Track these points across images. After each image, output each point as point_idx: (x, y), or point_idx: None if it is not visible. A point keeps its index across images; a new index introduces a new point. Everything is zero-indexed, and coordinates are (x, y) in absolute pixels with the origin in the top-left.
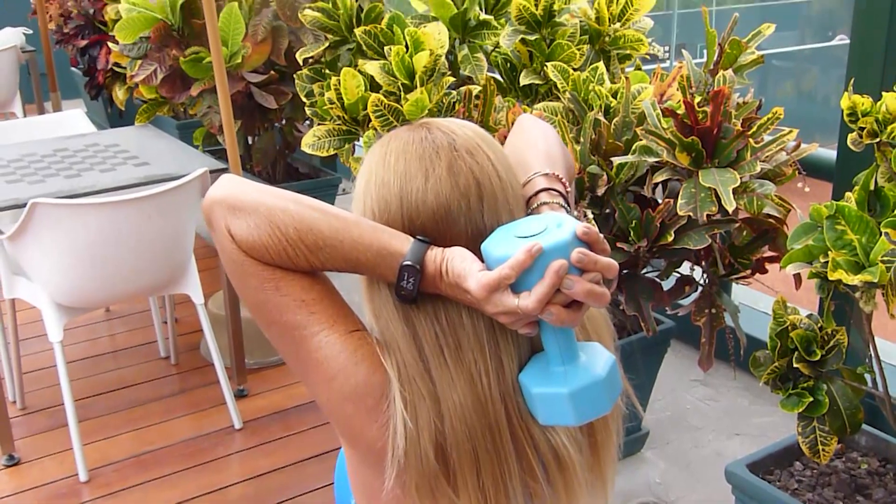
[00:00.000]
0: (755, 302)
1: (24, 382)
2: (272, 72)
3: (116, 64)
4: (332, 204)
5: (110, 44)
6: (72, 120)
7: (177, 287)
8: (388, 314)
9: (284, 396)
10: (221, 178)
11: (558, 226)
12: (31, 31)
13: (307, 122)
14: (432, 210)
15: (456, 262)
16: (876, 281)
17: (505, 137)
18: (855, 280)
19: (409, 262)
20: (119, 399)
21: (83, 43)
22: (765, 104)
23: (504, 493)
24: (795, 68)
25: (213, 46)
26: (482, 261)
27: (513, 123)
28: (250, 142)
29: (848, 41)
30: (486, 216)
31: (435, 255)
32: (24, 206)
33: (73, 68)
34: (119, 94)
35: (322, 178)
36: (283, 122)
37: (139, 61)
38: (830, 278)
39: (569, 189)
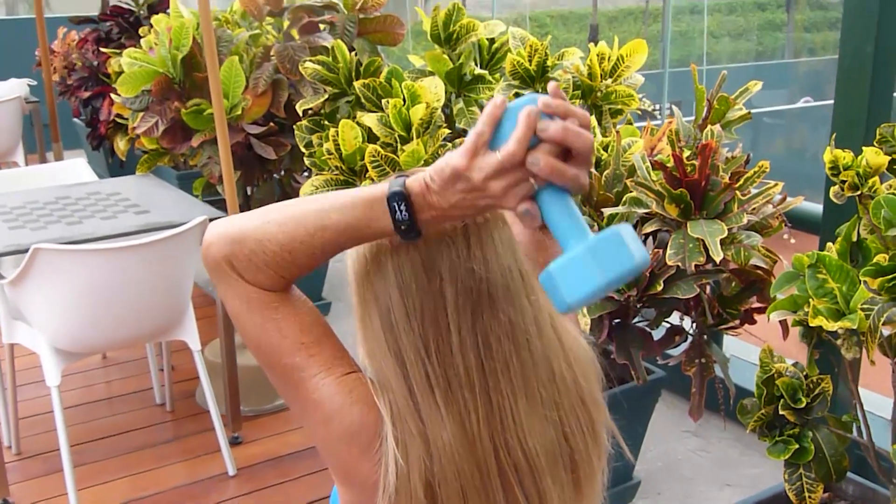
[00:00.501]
0: (746, 354)
1: (20, 427)
2: (272, 123)
3: (118, 115)
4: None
5: (113, 95)
6: (74, 169)
7: (175, 333)
8: (381, 354)
9: (279, 444)
10: (209, 226)
11: None
12: (35, 83)
13: (305, 172)
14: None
15: (436, 164)
16: (856, 328)
17: None
18: (835, 327)
19: (394, 190)
20: (114, 445)
21: (86, 94)
22: (757, 160)
23: None
24: (786, 126)
25: (215, 99)
26: None
27: None
28: (249, 192)
29: (813, 103)
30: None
31: (416, 176)
32: (25, 251)
33: (75, 119)
34: (120, 144)
35: None
36: (282, 172)
37: (141, 113)
38: (811, 325)
39: None
